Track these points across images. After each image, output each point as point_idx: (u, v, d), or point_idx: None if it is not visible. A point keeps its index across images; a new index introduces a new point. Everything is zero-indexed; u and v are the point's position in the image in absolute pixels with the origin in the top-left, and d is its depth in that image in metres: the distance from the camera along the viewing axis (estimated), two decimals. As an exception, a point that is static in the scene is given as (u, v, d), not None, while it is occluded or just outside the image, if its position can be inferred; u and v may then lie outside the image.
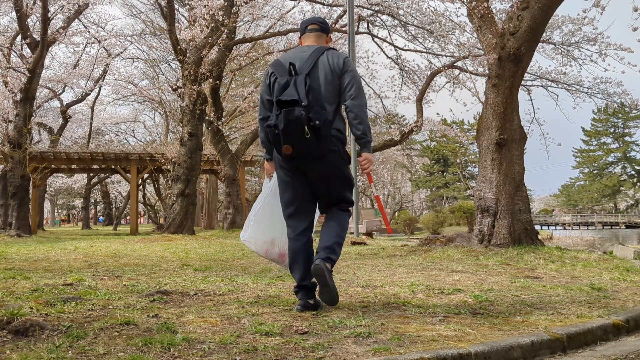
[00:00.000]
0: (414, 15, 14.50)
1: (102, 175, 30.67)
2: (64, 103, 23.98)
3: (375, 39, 16.38)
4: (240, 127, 23.60)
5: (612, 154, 67.34)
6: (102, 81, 23.84)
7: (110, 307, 3.25)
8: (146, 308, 3.22)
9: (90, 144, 26.25)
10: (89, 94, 24.31)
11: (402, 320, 2.94)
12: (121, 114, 38.07)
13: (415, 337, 2.54)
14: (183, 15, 20.10)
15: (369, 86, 17.57)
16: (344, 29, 14.76)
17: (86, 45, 22.07)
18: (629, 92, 14.72)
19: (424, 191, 60.02)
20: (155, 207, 38.16)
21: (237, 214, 17.68)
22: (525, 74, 9.47)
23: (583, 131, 68.53)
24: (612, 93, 14.61)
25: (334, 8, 16.19)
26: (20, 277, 4.59)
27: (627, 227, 56.23)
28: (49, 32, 14.72)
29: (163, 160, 18.88)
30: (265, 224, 3.46)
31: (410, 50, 15.60)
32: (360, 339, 2.52)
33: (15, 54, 16.63)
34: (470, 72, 10.76)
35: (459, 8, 10.85)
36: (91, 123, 26.24)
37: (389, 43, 16.16)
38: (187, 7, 15.40)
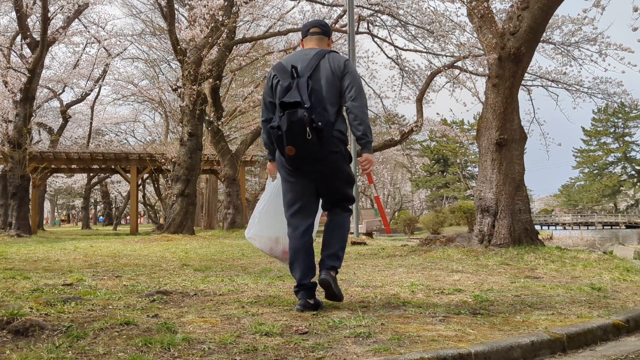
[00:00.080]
0: (414, 15, 14.50)
1: (102, 175, 30.68)
2: (64, 103, 23.99)
3: (375, 39, 16.39)
4: (240, 127, 23.61)
5: (612, 154, 67.34)
6: (102, 81, 23.85)
7: (110, 307, 3.25)
8: (146, 308, 3.22)
9: (90, 144, 26.25)
10: (89, 94, 24.35)
11: (402, 320, 2.94)
12: (121, 114, 38.11)
13: (415, 337, 2.54)
14: (183, 15, 20.10)
15: (369, 86, 17.58)
16: (344, 29, 14.76)
17: (86, 45, 22.11)
18: (629, 92, 14.73)
19: (424, 191, 60.02)
20: (155, 207, 38.16)
21: (237, 214, 17.68)
22: (525, 74, 9.48)
23: (583, 131, 68.59)
24: (612, 93, 14.63)
25: (334, 8, 16.20)
26: (20, 277, 4.59)
27: (627, 227, 56.23)
28: (49, 32, 14.72)
29: (163, 160, 18.88)
30: (269, 223, 3.51)
31: (410, 50, 15.61)
32: (360, 339, 2.52)
33: (15, 54, 16.63)
34: (470, 72, 10.76)
35: (459, 8, 10.86)
36: (91, 123, 26.25)
37: (389, 43, 16.16)
38: (187, 7, 15.40)
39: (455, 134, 20.23)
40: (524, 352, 2.47)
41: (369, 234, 14.31)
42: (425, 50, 15.18)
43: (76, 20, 17.98)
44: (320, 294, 3.37)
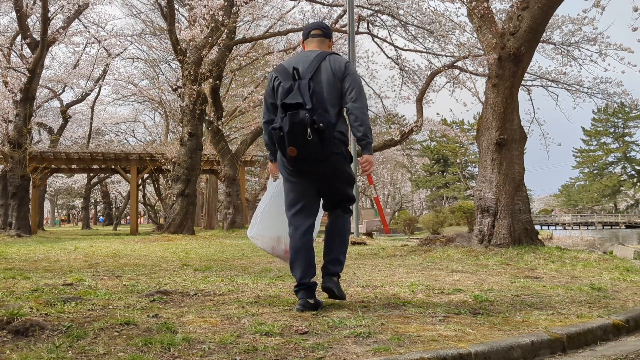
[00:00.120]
0: (414, 15, 14.50)
1: (102, 175, 30.67)
2: (64, 103, 23.98)
3: (375, 39, 16.39)
4: (240, 127, 23.61)
5: (612, 154, 67.34)
6: (102, 81, 23.85)
7: (110, 307, 3.25)
8: (146, 308, 3.22)
9: (90, 144, 26.25)
10: (89, 94, 24.34)
11: (402, 320, 2.94)
12: (121, 114, 38.10)
13: (415, 337, 2.54)
14: (183, 15, 20.09)
15: (369, 86, 17.58)
16: (344, 29, 14.76)
17: (86, 45, 22.10)
18: (629, 92, 14.74)
19: (424, 191, 60.02)
20: (155, 207, 38.16)
21: (237, 214, 17.67)
22: (525, 74, 9.48)
23: (583, 131, 68.57)
24: (612, 93, 14.63)
25: (334, 8, 16.20)
26: (20, 277, 4.59)
27: (627, 227, 56.22)
28: (49, 32, 14.72)
29: (163, 160, 18.88)
30: (271, 223, 3.55)
31: (410, 50, 15.62)
32: (360, 339, 2.52)
33: (15, 54, 16.63)
34: (470, 72, 10.76)
35: (459, 8, 10.86)
36: (91, 123, 26.25)
37: (389, 43, 16.16)
38: (187, 7, 15.40)
39: (455, 134, 20.23)
40: (524, 352, 2.47)
41: (369, 234, 14.31)
42: (425, 50, 15.19)
43: (76, 20, 17.98)
44: (320, 294, 3.37)
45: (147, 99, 25.97)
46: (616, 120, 66.30)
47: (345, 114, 3.39)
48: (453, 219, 19.66)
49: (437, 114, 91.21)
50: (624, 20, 8.69)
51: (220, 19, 13.40)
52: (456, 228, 17.97)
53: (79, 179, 37.42)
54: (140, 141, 33.99)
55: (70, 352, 2.25)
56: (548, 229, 52.54)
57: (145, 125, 35.61)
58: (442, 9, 26.18)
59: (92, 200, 49.23)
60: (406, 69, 16.22)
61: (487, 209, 6.98)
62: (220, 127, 16.71)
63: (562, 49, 13.38)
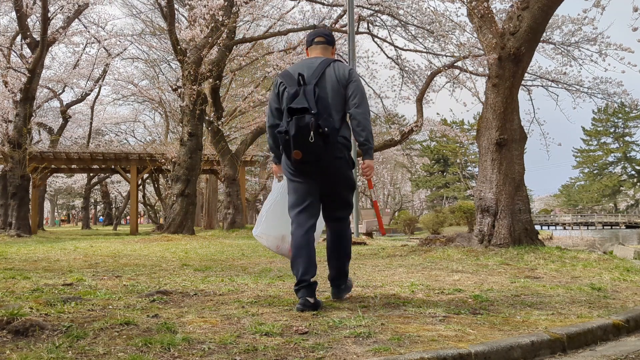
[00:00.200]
0: (414, 15, 14.50)
1: (102, 175, 30.67)
2: (64, 103, 23.98)
3: (375, 39, 16.39)
4: (240, 127, 23.60)
5: (612, 154, 67.33)
6: (102, 81, 23.85)
7: (110, 307, 3.25)
8: (146, 308, 3.22)
9: (90, 144, 26.25)
10: (89, 94, 24.34)
11: (402, 320, 2.94)
12: (121, 114, 38.11)
13: (415, 337, 2.54)
14: (183, 15, 20.09)
15: (369, 86, 17.57)
16: (344, 29, 14.77)
17: (86, 45, 22.10)
18: (629, 92, 14.73)
19: (424, 191, 60.03)
20: (155, 207, 38.15)
21: (237, 214, 17.67)
22: (525, 74, 9.47)
23: (583, 131, 68.58)
24: (612, 93, 14.62)
25: (334, 8, 16.20)
26: (20, 277, 4.59)
27: (627, 227, 56.22)
28: (49, 32, 14.72)
29: (163, 160, 18.88)
30: (276, 222, 3.65)
31: (410, 50, 15.61)
32: (360, 339, 2.52)
33: (15, 54, 16.63)
34: (470, 72, 10.76)
35: (459, 8, 10.86)
36: (91, 123, 26.25)
37: (389, 43, 16.16)
38: (187, 7, 15.40)
39: (455, 134, 20.23)
40: (524, 352, 2.47)
41: (369, 234, 14.32)
42: (425, 50, 15.18)
43: (76, 20, 17.98)
44: (320, 294, 3.37)
45: (147, 99, 25.98)
46: (616, 120, 66.30)
47: (347, 119, 3.49)
48: (453, 219, 19.65)
49: (437, 114, 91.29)
50: (624, 20, 8.69)
51: (220, 19, 13.40)
52: (456, 228, 17.97)
53: (79, 179, 37.42)
54: (140, 141, 34.02)
55: (70, 352, 2.25)
56: (548, 229, 52.55)
57: (145, 125, 35.65)
58: (442, 9, 26.19)
59: (92, 200, 49.24)
60: (406, 69, 16.22)
61: (487, 209, 6.98)
62: (220, 127, 16.71)
63: (562, 49, 13.38)
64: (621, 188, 66.59)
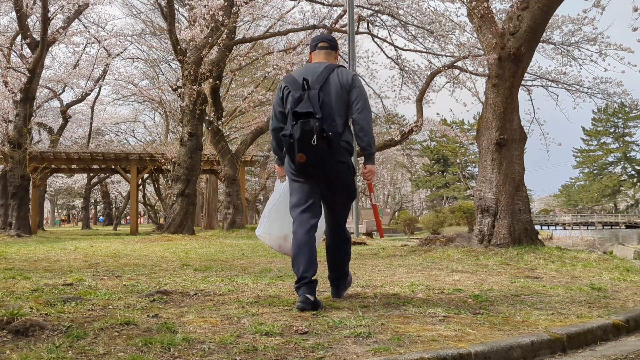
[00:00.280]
0: (414, 15, 14.50)
1: (102, 175, 30.67)
2: (64, 103, 23.97)
3: (375, 39, 16.38)
4: (240, 127, 23.60)
5: (612, 154, 67.32)
6: (102, 81, 23.84)
7: (110, 307, 3.25)
8: (146, 308, 3.22)
9: (90, 144, 26.24)
10: (89, 94, 24.33)
11: (402, 320, 2.94)
12: (121, 114, 38.09)
13: (415, 337, 2.54)
14: (183, 15, 20.09)
15: (369, 86, 17.56)
16: (344, 29, 14.77)
17: (86, 45, 22.09)
18: (629, 92, 14.73)
19: (424, 191, 60.02)
20: (155, 207, 38.15)
21: (237, 214, 17.66)
22: (525, 74, 9.48)
23: (583, 131, 68.56)
24: (612, 93, 14.63)
25: (334, 8, 16.19)
26: (20, 277, 4.59)
27: (627, 227, 56.21)
28: (49, 32, 14.72)
29: (163, 160, 18.88)
30: (278, 222, 3.70)
31: (410, 50, 15.60)
32: (360, 339, 2.52)
33: (15, 54, 16.63)
34: (470, 72, 10.76)
35: (459, 8, 10.85)
36: (91, 123, 26.24)
37: (389, 43, 16.15)
38: (187, 7, 15.40)
39: (455, 134, 20.22)
40: (524, 352, 2.47)
41: (369, 234, 14.32)
42: (425, 50, 15.17)
43: (76, 20, 17.97)
44: (320, 294, 3.37)
45: (147, 99, 25.97)
46: (616, 120, 66.29)
47: (350, 124, 3.56)
48: (453, 219, 19.64)
49: (437, 114, 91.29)
50: (624, 20, 8.69)
51: (220, 19, 13.40)
52: (456, 228, 17.96)
53: (79, 179, 37.42)
54: (140, 141, 34.01)
55: (70, 352, 2.25)
56: (548, 229, 52.55)
57: (145, 125, 35.64)
58: (442, 9, 26.19)
59: (92, 200, 49.23)
60: (406, 69, 16.22)
61: (487, 209, 6.98)
62: (220, 127, 16.71)
63: (562, 49, 13.38)
64: (621, 188, 66.58)
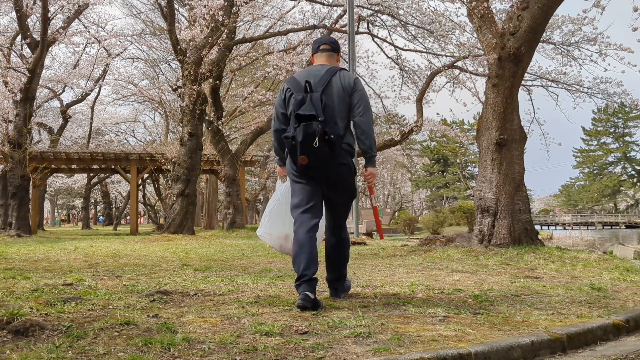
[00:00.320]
0: (414, 15, 14.50)
1: (102, 175, 30.66)
2: (64, 103, 23.97)
3: (375, 39, 16.39)
4: (240, 127, 23.60)
5: (612, 154, 67.32)
6: (102, 81, 23.84)
7: (110, 307, 3.25)
8: (146, 308, 3.22)
9: (90, 144, 26.24)
10: (89, 94, 24.33)
11: (402, 320, 2.94)
12: (121, 114, 38.04)
13: (415, 337, 2.54)
14: (183, 15, 20.09)
15: (369, 86, 17.57)
16: (344, 29, 14.76)
17: (86, 45, 22.09)
18: (629, 92, 14.73)
19: (424, 191, 60.02)
20: (155, 207, 38.14)
21: (237, 214, 17.66)
22: (525, 74, 9.47)
23: (583, 131, 68.56)
24: (612, 93, 14.63)
25: (334, 8, 16.20)
26: (20, 277, 4.59)
27: (627, 227, 56.21)
28: (49, 32, 14.72)
29: (163, 160, 18.88)
30: (279, 222, 3.72)
31: (410, 50, 15.61)
32: (360, 339, 2.52)
33: (15, 54, 16.63)
34: (470, 72, 10.76)
35: (459, 8, 10.85)
36: (91, 123, 26.24)
37: (389, 43, 16.16)
38: (187, 7, 15.39)
39: (455, 134, 20.22)
40: (524, 352, 2.47)
41: (369, 234, 14.32)
42: (425, 50, 15.18)
43: (76, 20, 17.97)
44: (320, 294, 3.37)
45: (147, 99, 25.97)
46: (616, 120, 66.29)
47: (351, 127, 3.59)
48: (453, 219, 19.64)
49: (437, 114, 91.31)
50: (624, 20, 8.69)
51: (220, 19, 13.40)
52: (456, 228, 17.96)
53: (79, 179, 37.41)
54: (140, 141, 34.01)
55: (70, 352, 2.25)
56: (548, 229, 52.54)
57: (145, 125, 35.64)
58: (442, 9, 26.19)
59: (92, 200, 49.23)
60: (406, 69, 16.22)
61: (487, 209, 6.98)
62: (220, 127, 16.70)
63: (562, 49, 13.38)
64: (621, 188, 66.58)
